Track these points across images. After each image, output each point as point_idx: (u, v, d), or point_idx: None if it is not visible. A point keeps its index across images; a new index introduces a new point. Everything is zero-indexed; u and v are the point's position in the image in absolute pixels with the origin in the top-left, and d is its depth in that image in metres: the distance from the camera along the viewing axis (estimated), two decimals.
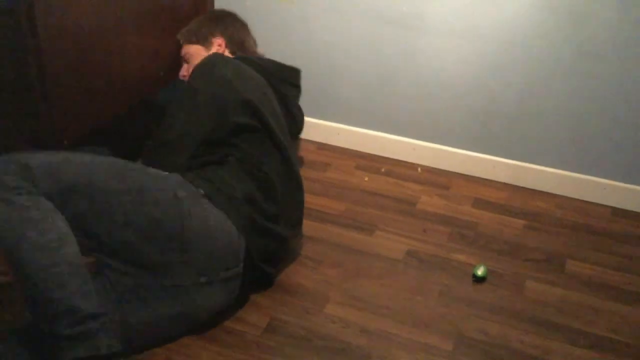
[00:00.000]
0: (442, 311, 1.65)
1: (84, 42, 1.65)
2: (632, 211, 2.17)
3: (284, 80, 1.93)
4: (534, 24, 2.01)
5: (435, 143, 2.29)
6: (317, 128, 2.41)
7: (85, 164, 1.40)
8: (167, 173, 1.52)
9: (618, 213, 2.16)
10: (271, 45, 2.37)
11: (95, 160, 1.43)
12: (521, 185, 2.27)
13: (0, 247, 1.26)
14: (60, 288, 1.24)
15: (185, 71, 2.03)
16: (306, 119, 2.08)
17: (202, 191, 1.50)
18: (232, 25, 2.06)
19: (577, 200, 2.21)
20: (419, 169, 2.31)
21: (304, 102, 2.16)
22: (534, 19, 2.00)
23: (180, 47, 2.04)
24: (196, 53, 1.99)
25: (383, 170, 2.29)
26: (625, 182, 2.16)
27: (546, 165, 2.22)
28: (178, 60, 2.11)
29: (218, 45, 2.01)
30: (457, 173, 2.31)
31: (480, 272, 1.76)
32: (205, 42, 2.01)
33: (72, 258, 1.28)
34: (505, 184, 2.27)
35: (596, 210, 2.17)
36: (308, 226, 1.88)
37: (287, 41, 2.34)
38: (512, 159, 2.25)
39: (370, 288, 1.70)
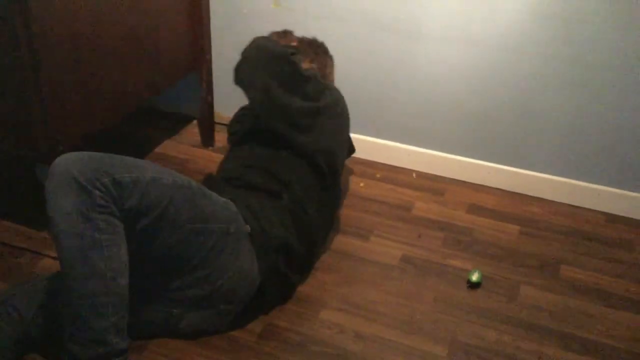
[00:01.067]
0: (437, 317, 1.65)
1: (80, 47, 1.65)
2: (625, 217, 2.18)
3: None
4: (528, 31, 2.02)
5: (431, 149, 2.30)
6: None
7: (169, 186, 1.35)
8: (224, 200, 1.50)
9: (612, 219, 2.17)
10: None
11: (176, 182, 1.38)
12: (516, 191, 2.28)
13: (60, 256, 1.23)
14: (100, 318, 1.23)
15: None
16: None
17: (248, 228, 1.51)
18: None
19: (571, 206, 2.22)
20: (414, 175, 2.32)
21: None
22: (528, 26, 2.02)
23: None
24: None
25: (378, 176, 2.30)
26: (619, 188, 2.17)
27: (540, 172, 2.24)
28: (174, 65, 2.11)
29: None
30: (452, 179, 2.32)
31: (475, 277, 1.76)
32: None
33: (122, 291, 1.26)
34: (499, 189, 2.28)
35: (590, 216, 2.18)
36: None
37: None
38: (507, 165, 2.26)
39: (366, 293, 1.71)
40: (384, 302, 1.69)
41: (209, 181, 1.76)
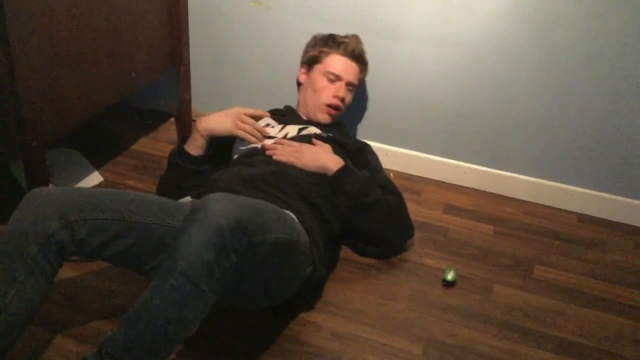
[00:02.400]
0: (412, 315, 1.67)
1: (56, 41, 1.64)
2: (597, 217, 2.22)
3: None
4: (504, 33, 2.04)
5: (407, 149, 2.32)
6: None
7: (276, 220, 1.35)
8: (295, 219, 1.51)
9: (584, 219, 2.21)
10: (249, 50, 2.38)
11: (278, 212, 1.39)
12: (491, 191, 2.30)
13: (166, 291, 1.17)
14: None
15: (344, 94, 1.97)
16: None
17: (320, 243, 1.56)
18: None
19: (545, 206, 2.25)
20: (391, 175, 2.33)
21: (274, 102, 2.16)
22: (504, 29, 2.04)
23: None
24: (352, 98, 2.04)
25: None
26: (592, 189, 2.20)
27: (515, 172, 2.26)
28: (151, 62, 2.10)
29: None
30: (429, 179, 2.34)
31: (450, 276, 1.78)
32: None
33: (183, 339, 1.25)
34: (475, 190, 2.30)
35: (563, 217, 2.21)
36: None
37: (264, 46, 2.34)
38: (483, 165, 2.29)
39: (342, 293, 1.71)
40: (361, 301, 1.70)
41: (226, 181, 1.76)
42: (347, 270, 1.81)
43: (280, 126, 1.96)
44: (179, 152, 1.79)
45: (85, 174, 2.12)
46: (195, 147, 1.77)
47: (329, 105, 1.96)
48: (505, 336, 1.63)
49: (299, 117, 2.03)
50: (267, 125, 1.97)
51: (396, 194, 1.82)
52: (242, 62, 2.41)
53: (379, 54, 2.20)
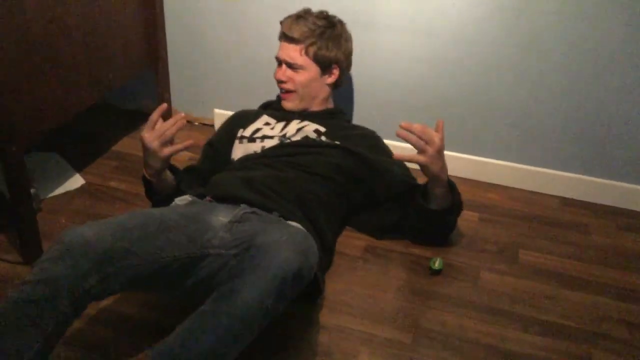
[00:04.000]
0: (400, 305, 1.67)
1: (31, 44, 1.62)
2: (580, 200, 2.24)
3: None
4: (481, 21, 2.05)
5: (389, 139, 2.32)
6: None
7: (314, 254, 1.37)
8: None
9: (567, 202, 2.23)
10: (227, 46, 2.37)
11: (311, 241, 1.39)
12: (474, 178, 2.31)
13: (221, 326, 1.17)
14: None
15: (283, 76, 1.95)
16: None
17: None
18: (350, 49, 2.03)
19: (528, 191, 2.27)
20: None
21: (255, 99, 2.16)
22: (481, 16, 2.05)
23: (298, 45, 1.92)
24: (306, 77, 1.95)
25: None
26: (573, 173, 2.22)
27: (497, 159, 2.28)
28: (128, 62, 2.08)
29: (332, 76, 1.99)
30: (411, 169, 2.34)
31: (436, 265, 1.79)
32: (325, 70, 1.97)
33: None
34: (458, 177, 2.31)
35: (546, 201, 2.23)
36: None
37: (242, 42, 2.33)
38: (464, 153, 2.30)
39: (330, 285, 1.72)
40: (349, 293, 1.70)
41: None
42: (334, 263, 1.81)
43: (280, 124, 1.95)
44: (150, 195, 1.77)
45: (66, 177, 2.11)
46: (160, 186, 1.72)
47: (280, 90, 1.99)
48: (493, 321, 1.64)
49: (287, 115, 2.00)
50: (267, 124, 1.95)
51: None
52: (221, 58, 2.40)
53: (356, 44, 2.19)
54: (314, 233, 1.63)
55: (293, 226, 1.44)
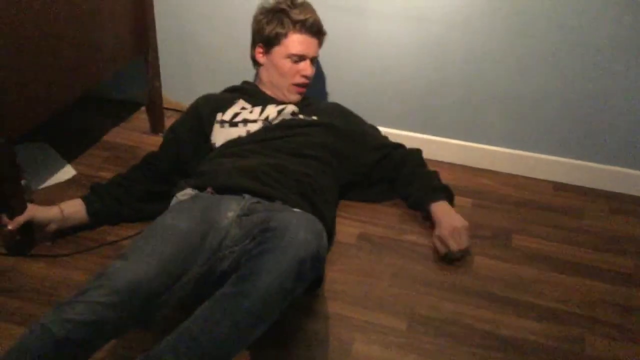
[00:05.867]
0: (395, 292, 1.68)
1: (18, 34, 1.59)
2: (572, 185, 2.24)
3: None
4: (473, 6, 2.04)
5: (380, 126, 2.31)
6: None
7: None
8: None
9: (560, 187, 2.23)
10: (217, 33, 2.35)
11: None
12: (467, 164, 2.31)
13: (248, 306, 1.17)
14: None
15: (311, 72, 1.96)
16: None
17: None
18: None
19: (521, 176, 2.27)
20: None
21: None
22: (472, 1, 2.04)
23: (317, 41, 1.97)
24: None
25: None
26: (566, 157, 2.22)
27: (489, 144, 2.27)
28: (118, 50, 2.06)
29: None
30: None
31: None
32: None
33: None
34: (451, 164, 2.31)
35: (538, 186, 2.23)
36: None
37: (232, 29, 2.31)
38: (457, 139, 2.29)
39: (325, 273, 1.71)
40: (343, 281, 1.70)
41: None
42: (329, 251, 1.81)
43: (258, 108, 1.93)
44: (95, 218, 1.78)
45: (57, 168, 2.09)
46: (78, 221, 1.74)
47: (298, 85, 1.96)
48: (488, 307, 1.65)
49: (268, 95, 2.00)
50: (243, 109, 1.94)
51: (402, 145, 2.09)
52: (211, 45, 2.38)
53: (346, 31, 2.18)
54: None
55: (299, 212, 1.44)
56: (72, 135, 2.31)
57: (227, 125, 1.89)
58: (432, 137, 2.31)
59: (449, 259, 1.79)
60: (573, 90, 2.10)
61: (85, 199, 1.76)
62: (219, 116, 1.91)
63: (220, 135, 1.88)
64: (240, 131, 1.87)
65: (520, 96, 2.16)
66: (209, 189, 1.62)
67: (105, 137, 2.32)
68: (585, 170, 2.21)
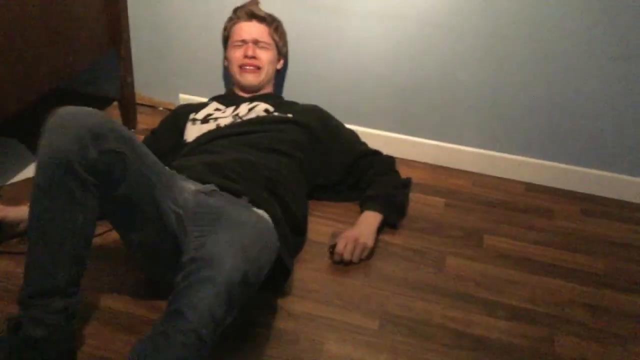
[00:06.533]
0: (367, 291, 1.67)
1: None
2: (544, 186, 2.26)
3: None
4: (448, 6, 2.05)
5: (355, 125, 2.31)
6: None
7: (269, 254, 1.37)
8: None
9: (531, 188, 2.25)
10: (190, 28, 2.32)
11: (265, 240, 1.37)
12: (440, 164, 2.32)
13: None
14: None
15: (253, 52, 2.05)
16: None
17: (288, 234, 1.65)
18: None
19: (493, 177, 2.29)
20: None
21: (221, 83, 2.13)
22: (448, 1, 2.04)
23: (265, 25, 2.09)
24: (271, 56, 2.09)
25: None
26: (537, 159, 2.24)
27: (463, 145, 2.29)
28: (89, 45, 2.03)
29: (279, 64, 2.18)
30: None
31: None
32: (279, 56, 2.16)
33: None
34: (425, 163, 2.32)
35: (511, 186, 2.25)
36: None
37: (205, 25, 2.29)
38: (431, 139, 2.30)
39: (297, 272, 1.71)
40: (315, 280, 1.69)
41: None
42: (303, 250, 1.80)
43: (230, 108, 1.98)
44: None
45: (26, 163, 2.05)
46: None
47: (243, 65, 2.05)
48: (459, 306, 1.66)
49: (239, 95, 2.08)
50: (217, 110, 1.98)
51: (378, 152, 2.09)
52: (187, 41, 2.36)
53: (322, 30, 2.18)
54: (284, 216, 1.63)
55: (256, 216, 1.42)
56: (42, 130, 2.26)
57: (198, 122, 1.94)
58: (406, 136, 2.31)
59: (337, 259, 1.77)
60: (546, 92, 2.12)
61: None
62: (192, 115, 1.99)
63: (192, 132, 1.91)
64: (210, 126, 1.90)
65: (494, 97, 2.17)
66: None
67: None
68: (556, 171, 2.24)
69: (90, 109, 1.30)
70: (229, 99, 2.07)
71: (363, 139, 2.22)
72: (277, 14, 2.14)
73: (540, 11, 1.99)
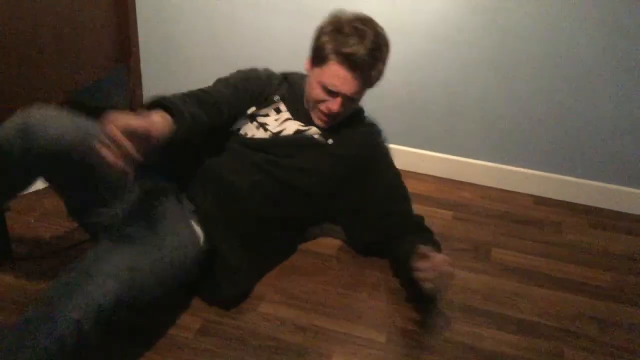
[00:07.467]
0: (374, 304, 1.67)
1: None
2: (551, 199, 2.26)
3: None
4: (454, 20, 2.06)
5: None
6: None
7: (160, 272, 1.40)
8: None
9: (539, 201, 2.24)
10: (199, 42, 2.34)
11: (164, 255, 1.41)
12: (448, 177, 2.32)
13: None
14: None
15: (339, 109, 1.67)
16: None
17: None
18: None
19: (501, 190, 2.28)
20: None
21: None
22: (453, 15, 2.05)
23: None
24: (355, 104, 1.75)
25: None
26: (546, 171, 2.24)
27: (471, 157, 2.28)
28: (99, 58, 2.05)
29: None
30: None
31: None
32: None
33: None
34: (432, 176, 2.32)
35: (518, 199, 2.24)
36: None
37: (213, 38, 2.31)
38: (439, 152, 2.30)
39: (305, 285, 1.70)
40: (323, 293, 1.69)
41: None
42: (308, 262, 1.80)
43: (283, 119, 1.76)
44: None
45: None
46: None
47: (322, 112, 1.70)
48: (467, 320, 1.65)
49: (303, 111, 1.77)
50: (278, 111, 1.78)
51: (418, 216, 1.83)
52: (194, 54, 2.38)
53: None
54: (242, 251, 1.63)
55: (178, 242, 1.45)
56: None
57: (254, 124, 1.76)
58: (414, 149, 2.31)
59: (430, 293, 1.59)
60: (554, 106, 2.12)
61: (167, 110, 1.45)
62: (251, 110, 1.76)
63: (243, 128, 1.76)
64: (251, 129, 1.74)
65: (502, 111, 2.17)
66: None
67: None
68: (565, 185, 2.23)
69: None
70: (294, 104, 1.78)
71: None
72: (273, 21, 2.14)
73: (545, 26, 1.99)
